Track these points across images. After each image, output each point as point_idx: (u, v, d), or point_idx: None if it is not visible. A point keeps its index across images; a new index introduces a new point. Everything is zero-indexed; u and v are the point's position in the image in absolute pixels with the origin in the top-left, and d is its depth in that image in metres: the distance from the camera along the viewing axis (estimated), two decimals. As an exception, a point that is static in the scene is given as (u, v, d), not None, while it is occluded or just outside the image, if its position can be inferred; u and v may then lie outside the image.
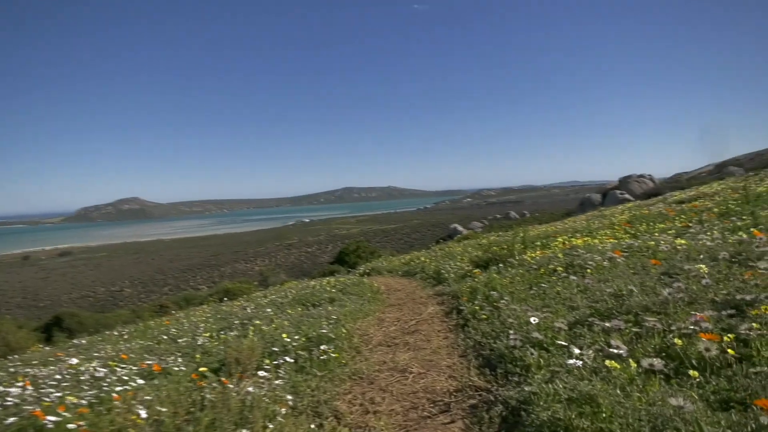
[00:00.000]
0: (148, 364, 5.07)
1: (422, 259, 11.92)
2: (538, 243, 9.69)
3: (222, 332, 7.01)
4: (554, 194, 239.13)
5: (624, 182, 58.04)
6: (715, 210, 8.36)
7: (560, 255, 6.18)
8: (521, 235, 9.01)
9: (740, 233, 4.91)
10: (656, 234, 7.21)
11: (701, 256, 4.21)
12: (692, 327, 2.43)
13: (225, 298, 15.57)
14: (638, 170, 59.37)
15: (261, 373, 3.83)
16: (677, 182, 52.63)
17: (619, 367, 2.10)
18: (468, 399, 3.03)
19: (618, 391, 1.98)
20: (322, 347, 4.52)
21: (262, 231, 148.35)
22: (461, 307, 5.56)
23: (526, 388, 2.59)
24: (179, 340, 6.85)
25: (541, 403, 2.25)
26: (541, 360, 2.83)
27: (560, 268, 5.44)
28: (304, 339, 4.99)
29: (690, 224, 7.33)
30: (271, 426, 2.79)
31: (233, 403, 2.80)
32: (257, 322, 6.70)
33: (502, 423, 2.53)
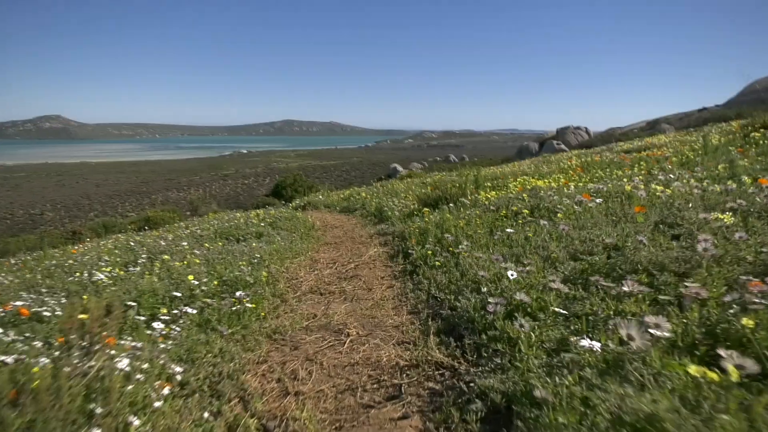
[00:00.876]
0: (14, 306, 3.98)
1: (363, 194, 11.03)
2: (489, 184, 9.03)
3: (127, 267, 5.92)
4: (493, 141, 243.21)
5: (561, 133, 59.50)
6: (674, 159, 7.93)
7: (525, 196, 5.44)
8: (473, 173, 8.25)
9: (729, 182, 4.31)
10: (616, 180, 6.68)
11: (696, 205, 3.55)
12: (759, 300, 1.68)
13: (146, 227, 14.13)
14: (574, 122, 60.99)
15: (149, 331, 2.86)
16: (610, 135, 54.61)
17: (694, 371, 1.29)
18: (426, 381, 2.21)
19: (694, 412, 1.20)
20: (237, 294, 3.58)
21: (196, 159, 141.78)
22: (409, 251, 4.75)
23: (516, 377, 1.79)
24: (74, 276, 5.70)
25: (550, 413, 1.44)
26: (533, 335, 2.03)
27: (525, 211, 4.70)
28: (216, 282, 4.01)
29: (650, 172, 6.84)
30: (136, 421, 1.86)
31: (74, 387, 1.82)
32: (166, 257, 5.62)
33: (481, 427, 1.74)
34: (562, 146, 55.14)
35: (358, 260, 5.08)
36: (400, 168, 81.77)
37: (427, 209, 6.63)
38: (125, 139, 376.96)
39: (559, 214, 4.32)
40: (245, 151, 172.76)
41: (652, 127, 53.55)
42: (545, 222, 4.05)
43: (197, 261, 4.69)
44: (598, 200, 4.57)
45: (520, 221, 4.48)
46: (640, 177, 5.97)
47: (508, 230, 4.00)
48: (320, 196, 13.73)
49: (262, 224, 7.55)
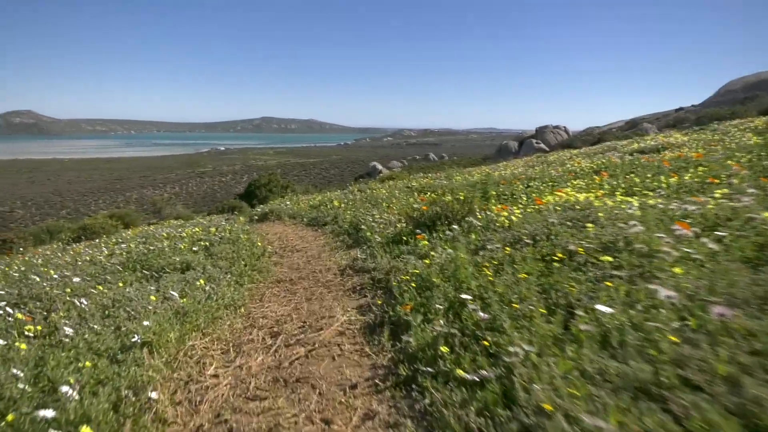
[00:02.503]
0: None
1: (336, 203, 8.98)
2: (493, 192, 7.12)
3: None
4: (472, 139, 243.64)
5: (540, 132, 58.51)
6: (744, 161, 6.10)
7: (589, 226, 3.42)
8: (480, 180, 6.33)
9: None
10: (669, 191, 4.83)
11: None
12: None
13: (82, 237, 11.89)
14: (552, 122, 60.70)
15: None
16: (590, 135, 53.65)
17: None
18: None
19: None
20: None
21: (173, 156, 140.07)
22: (400, 323, 2.78)
23: None
24: None
25: None
26: None
27: (606, 258, 2.72)
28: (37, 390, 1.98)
29: (718, 180, 5.00)
30: None
31: None
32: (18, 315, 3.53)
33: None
34: (542, 145, 54.05)
35: (315, 333, 3.06)
36: (379, 166, 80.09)
37: (421, 234, 4.66)
38: (99, 135, 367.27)
39: (675, 268, 2.37)
40: (223, 149, 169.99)
41: (632, 126, 52.86)
42: (663, 291, 2.09)
43: (23, 347, 2.61)
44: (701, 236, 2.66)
45: (589, 273, 2.53)
46: (722, 192, 4.08)
47: (600, 308, 2.04)
48: (287, 202, 11.65)
49: (197, 248, 5.51)
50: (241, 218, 9.96)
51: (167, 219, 22.54)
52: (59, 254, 8.15)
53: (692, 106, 53.99)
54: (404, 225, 5.46)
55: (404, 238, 4.88)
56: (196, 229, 6.50)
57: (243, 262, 4.99)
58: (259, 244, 5.96)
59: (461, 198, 5.08)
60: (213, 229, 6.32)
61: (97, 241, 10.30)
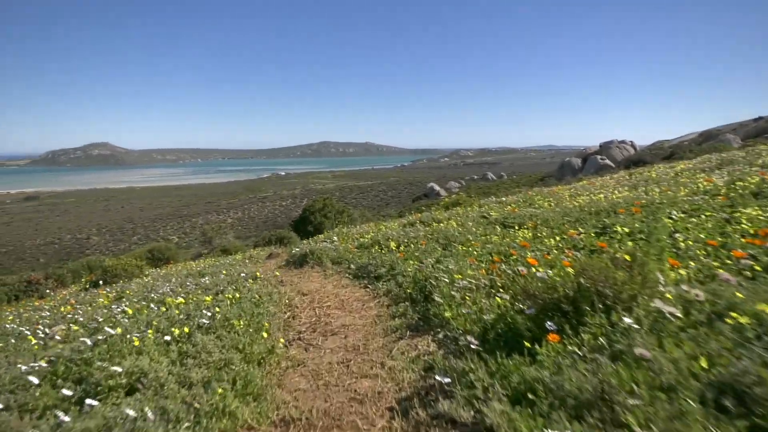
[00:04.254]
0: None
1: (392, 245, 6.72)
2: (664, 243, 4.67)
3: None
4: (530, 157, 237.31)
5: (605, 147, 54.61)
6: None
7: None
8: (569, 202, 3.96)
9: None
10: None
11: None
12: None
13: (101, 281, 10.34)
14: (615, 137, 56.88)
15: None
16: (660, 149, 48.98)
17: None
18: None
19: None
20: None
21: (236, 182, 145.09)
22: None
23: None
24: None
25: None
26: None
27: None
28: None
29: None
30: None
31: None
32: None
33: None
34: (607, 161, 50.12)
35: None
36: (437, 187, 77.90)
37: (554, 333, 2.37)
38: (169, 163, 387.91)
39: None
40: (283, 173, 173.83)
41: (707, 138, 47.65)
42: None
43: None
44: None
45: None
46: None
47: None
48: (334, 238, 9.56)
49: (168, 336, 3.45)
50: (273, 264, 7.95)
51: (216, 250, 21.23)
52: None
53: (773, 114, 48.27)
54: (509, 301, 3.15)
55: (520, 336, 2.58)
56: (179, 300, 4.39)
57: (234, 372, 2.85)
58: (269, 324, 3.78)
59: (626, 257, 2.70)
60: (208, 298, 4.22)
61: (114, 286, 8.63)
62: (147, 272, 10.88)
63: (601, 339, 2.23)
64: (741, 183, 6.79)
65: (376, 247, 6.90)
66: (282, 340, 3.58)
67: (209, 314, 3.59)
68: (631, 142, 56.27)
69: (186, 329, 3.36)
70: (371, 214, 51.42)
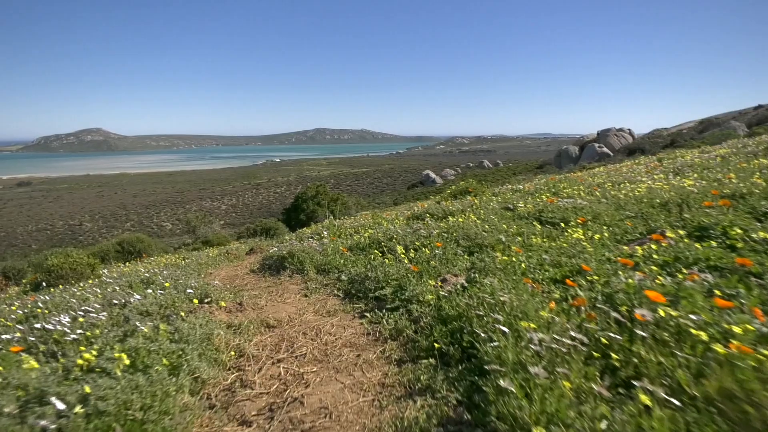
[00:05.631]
0: None
1: (399, 249, 4.86)
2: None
3: None
4: (526, 145, 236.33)
5: (603, 135, 53.60)
6: None
7: None
8: (624, 193, 2.50)
9: None
10: None
11: None
12: None
13: (44, 283, 8.52)
14: (611, 125, 55.93)
15: None
16: (659, 137, 47.52)
17: None
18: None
19: None
20: None
21: (230, 169, 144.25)
22: None
23: None
24: None
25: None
26: None
27: None
28: None
29: None
30: None
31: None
32: None
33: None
34: (605, 149, 48.94)
35: None
36: (432, 174, 76.17)
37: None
38: (163, 150, 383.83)
39: None
40: (278, 160, 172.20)
41: (707, 126, 46.06)
42: None
43: None
44: None
45: None
46: None
47: None
48: (323, 233, 7.79)
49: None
50: (249, 262, 6.14)
51: (198, 241, 19.45)
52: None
53: (775, 102, 46.60)
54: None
55: None
56: (86, 343, 2.65)
57: None
58: (183, 415, 2.02)
59: None
60: (129, 335, 2.44)
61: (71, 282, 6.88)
62: (100, 272, 9.09)
63: None
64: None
65: (376, 251, 5.13)
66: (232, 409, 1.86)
67: (70, 400, 1.86)
68: (629, 130, 55.47)
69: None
70: (366, 202, 49.82)
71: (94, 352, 2.35)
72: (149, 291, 4.30)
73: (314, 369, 2.70)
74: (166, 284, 4.54)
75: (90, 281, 7.63)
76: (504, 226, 5.44)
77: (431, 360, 2.52)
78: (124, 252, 14.71)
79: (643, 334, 1.91)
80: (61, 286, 7.62)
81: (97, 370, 2.19)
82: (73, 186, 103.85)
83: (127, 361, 2.15)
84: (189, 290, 4.10)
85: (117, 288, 5.15)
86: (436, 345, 2.56)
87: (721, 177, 6.60)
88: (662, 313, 1.97)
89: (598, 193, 7.06)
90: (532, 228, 5.27)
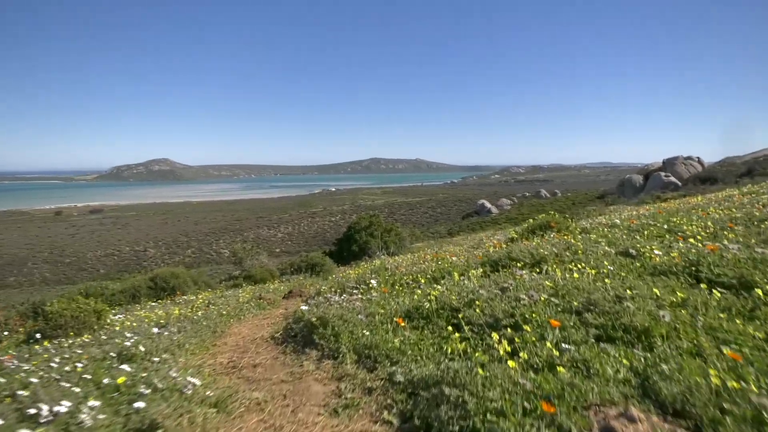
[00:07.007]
0: None
1: (494, 336, 3.04)
2: None
3: None
4: (585, 175, 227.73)
5: (669, 164, 49.61)
6: None
7: None
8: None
9: None
10: None
11: None
12: None
13: (38, 335, 7.14)
14: (673, 153, 51.85)
15: None
16: (732, 165, 42.82)
17: None
18: None
19: None
20: None
21: (287, 198, 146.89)
22: None
23: None
24: None
25: None
26: None
27: None
28: None
29: None
30: None
31: None
32: None
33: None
34: (671, 178, 44.95)
35: None
36: (488, 204, 73.08)
37: None
38: (224, 179, 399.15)
39: None
40: (333, 189, 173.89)
41: None
42: None
43: None
44: None
45: None
46: None
47: None
48: (371, 282, 6.03)
49: None
50: (286, 309, 4.49)
51: (244, 273, 18.24)
52: None
53: None
54: None
55: None
56: None
57: None
58: None
59: None
60: None
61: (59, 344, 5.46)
62: (109, 319, 7.70)
63: None
64: None
65: (450, 328, 3.31)
66: None
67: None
68: (697, 158, 51.27)
69: None
70: (420, 232, 47.85)
71: None
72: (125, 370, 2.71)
73: None
74: (164, 355, 2.88)
75: (86, 336, 6.20)
76: (644, 287, 3.49)
77: None
78: (156, 288, 13.56)
79: None
80: (54, 341, 6.25)
81: None
82: (140, 213, 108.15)
83: None
84: (138, 404, 2.42)
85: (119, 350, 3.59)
86: None
87: None
88: None
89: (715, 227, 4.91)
90: (697, 294, 3.29)
